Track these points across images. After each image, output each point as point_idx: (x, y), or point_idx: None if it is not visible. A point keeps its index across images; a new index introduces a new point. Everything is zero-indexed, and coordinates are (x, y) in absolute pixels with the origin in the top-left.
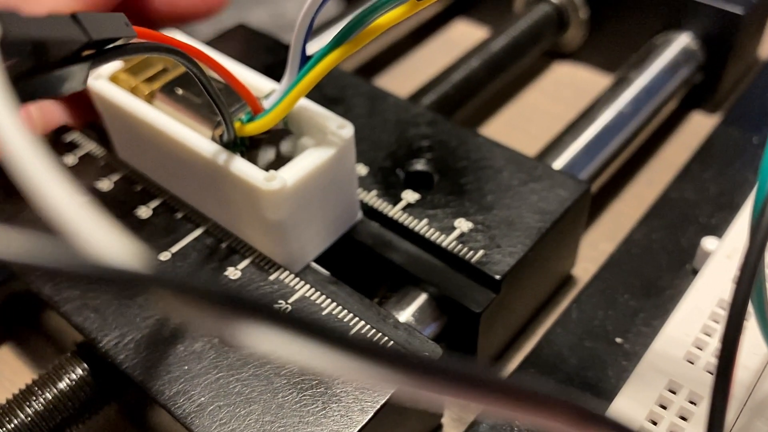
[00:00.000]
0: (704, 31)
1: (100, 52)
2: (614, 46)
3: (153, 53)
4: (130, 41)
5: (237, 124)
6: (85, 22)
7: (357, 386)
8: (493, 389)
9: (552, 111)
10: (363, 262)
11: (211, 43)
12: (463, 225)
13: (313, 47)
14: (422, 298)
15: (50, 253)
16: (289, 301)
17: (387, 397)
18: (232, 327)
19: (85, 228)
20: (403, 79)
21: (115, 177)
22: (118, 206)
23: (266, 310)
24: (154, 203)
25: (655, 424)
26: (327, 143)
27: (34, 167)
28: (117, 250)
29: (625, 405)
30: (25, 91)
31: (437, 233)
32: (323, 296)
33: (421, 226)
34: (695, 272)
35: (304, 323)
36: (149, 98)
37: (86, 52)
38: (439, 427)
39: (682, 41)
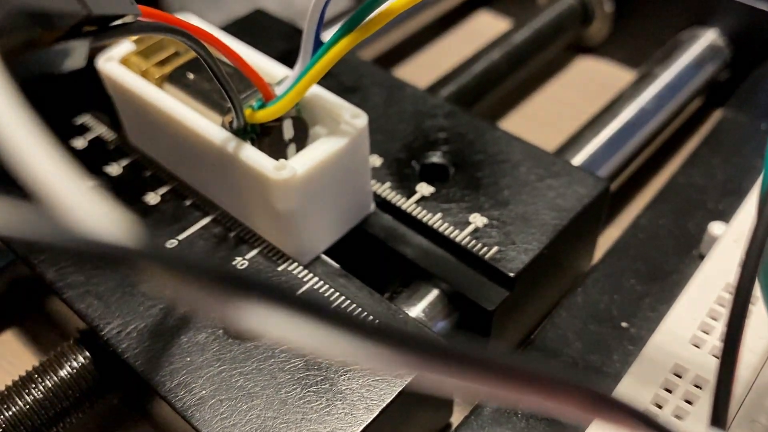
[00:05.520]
0: (732, 28)
1: (102, 28)
2: (639, 41)
3: (158, 33)
4: (135, 20)
5: (248, 111)
6: None
7: (363, 384)
8: (506, 373)
9: (574, 105)
10: (374, 256)
11: (227, 28)
12: (477, 220)
13: (329, 35)
14: (434, 293)
15: (38, 226)
16: (297, 293)
17: (393, 396)
18: (236, 308)
19: (75, 201)
20: (424, 70)
21: (125, 162)
22: (126, 191)
23: (274, 290)
24: (163, 189)
25: (660, 407)
26: (340, 132)
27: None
28: (108, 224)
29: (630, 388)
30: (24, 66)
31: (451, 228)
32: (332, 289)
33: (434, 220)
34: (702, 257)
35: (313, 306)
36: (160, 82)
37: (88, 28)
38: (448, 426)
39: (708, 37)
